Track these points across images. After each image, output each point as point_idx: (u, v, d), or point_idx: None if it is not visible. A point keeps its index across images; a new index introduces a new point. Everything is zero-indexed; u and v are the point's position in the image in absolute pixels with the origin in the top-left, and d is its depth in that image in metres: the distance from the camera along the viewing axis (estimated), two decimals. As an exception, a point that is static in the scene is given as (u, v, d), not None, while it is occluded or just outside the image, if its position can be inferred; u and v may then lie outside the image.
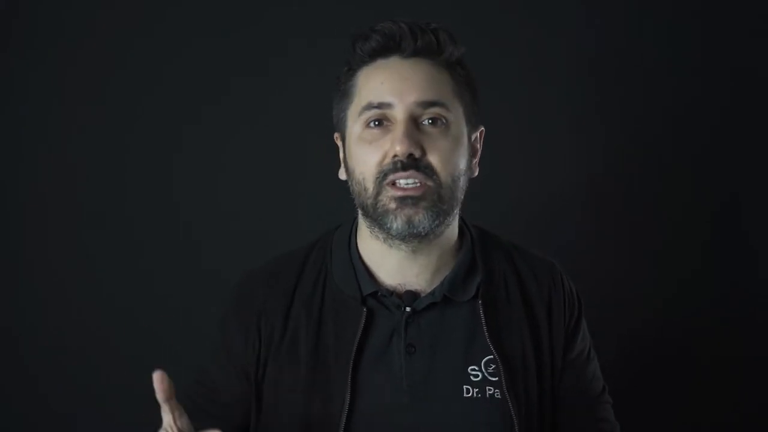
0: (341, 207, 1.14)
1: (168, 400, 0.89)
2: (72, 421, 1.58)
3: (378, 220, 1.03)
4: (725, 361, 1.63)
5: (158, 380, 0.88)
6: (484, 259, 1.12)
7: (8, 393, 1.57)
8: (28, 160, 1.57)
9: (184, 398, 0.95)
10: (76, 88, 1.56)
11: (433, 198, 1.02)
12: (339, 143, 1.13)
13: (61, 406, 1.57)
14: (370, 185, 1.03)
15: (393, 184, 1.02)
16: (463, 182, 1.06)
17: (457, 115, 1.06)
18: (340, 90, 1.10)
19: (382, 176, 1.02)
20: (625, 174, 1.64)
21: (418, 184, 1.01)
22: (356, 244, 1.12)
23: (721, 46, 1.63)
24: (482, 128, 1.13)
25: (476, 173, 1.12)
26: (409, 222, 1.01)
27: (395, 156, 1.01)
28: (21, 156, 1.57)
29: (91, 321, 1.57)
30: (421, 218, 1.02)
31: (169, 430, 0.90)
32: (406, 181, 1.01)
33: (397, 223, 1.02)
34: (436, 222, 1.03)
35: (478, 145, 1.13)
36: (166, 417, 0.90)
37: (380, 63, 1.06)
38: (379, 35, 1.04)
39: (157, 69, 1.57)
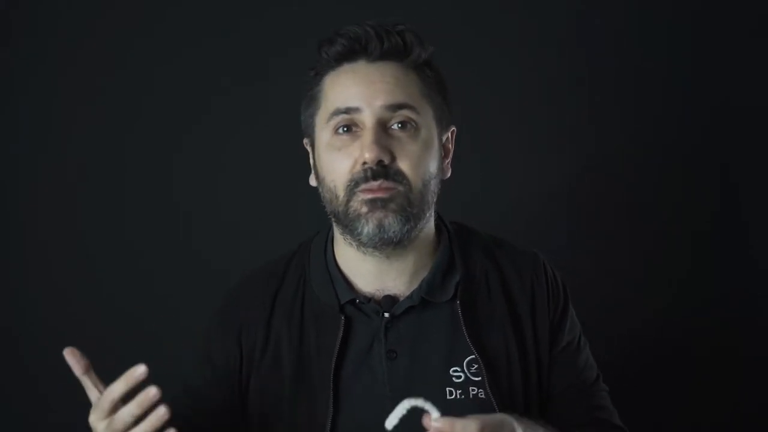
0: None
1: (86, 373, 0.88)
2: (72, 421, 1.57)
3: (349, 226, 1.02)
4: (725, 361, 1.63)
5: (69, 354, 0.86)
6: (463, 257, 1.11)
7: (8, 393, 1.57)
8: (28, 160, 1.57)
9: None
10: (76, 88, 1.56)
11: (402, 202, 1.00)
12: (308, 149, 1.11)
13: (61, 406, 1.57)
14: (341, 193, 1.02)
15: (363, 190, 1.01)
16: (434, 185, 1.05)
17: (426, 118, 1.04)
18: (307, 95, 1.08)
19: (353, 184, 1.01)
20: (624, 174, 1.64)
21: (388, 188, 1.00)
22: (332, 251, 1.11)
23: (721, 46, 1.63)
24: (454, 128, 1.12)
25: (449, 174, 1.11)
26: (380, 225, 1.00)
27: (365, 163, 1.00)
28: (21, 156, 1.57)
29: (91, 321, 1.57)
30: (391, 221, 1.00)
31: (102, 404, 0.86)
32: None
33: (368, 228, 1.00)
34: (407, 227, 1.01)
35: (450, 146, 1.12)
36: (92, 393, 0.88)
37: (346, 67, 1.04)
38: (345, 39, 1.03)
39: (157, 69, 1.57)
